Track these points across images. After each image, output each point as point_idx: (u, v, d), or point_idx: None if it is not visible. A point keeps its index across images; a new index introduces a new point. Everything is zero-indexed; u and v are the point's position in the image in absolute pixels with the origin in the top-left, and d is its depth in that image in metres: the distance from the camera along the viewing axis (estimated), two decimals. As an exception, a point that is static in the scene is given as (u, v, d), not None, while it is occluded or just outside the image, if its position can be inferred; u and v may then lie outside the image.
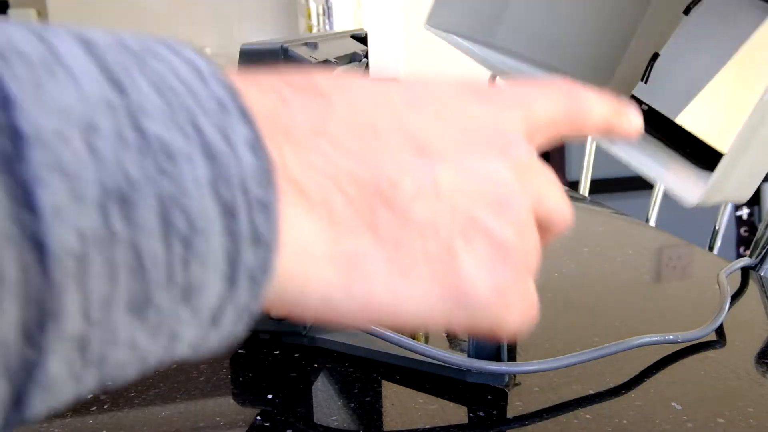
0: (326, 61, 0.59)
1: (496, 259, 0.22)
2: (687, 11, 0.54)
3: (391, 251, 0.21)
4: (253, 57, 0.54)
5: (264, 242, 0.18)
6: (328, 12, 1.48)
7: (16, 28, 0.16)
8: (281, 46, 0.53)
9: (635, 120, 0.29)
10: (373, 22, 1.63)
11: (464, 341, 0.53)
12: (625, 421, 0.44)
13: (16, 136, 0.14)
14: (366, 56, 0.73)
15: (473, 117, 0.23)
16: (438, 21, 0.60)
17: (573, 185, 1.49)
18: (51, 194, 0.15)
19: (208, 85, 0.18)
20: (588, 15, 0.64)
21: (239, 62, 0.54)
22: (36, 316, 0.15)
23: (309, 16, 1.47)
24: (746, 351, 0.53)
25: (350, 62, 0.67)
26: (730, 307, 0.57)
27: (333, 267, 0.20)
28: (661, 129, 0.49)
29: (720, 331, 0.56)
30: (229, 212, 0.17)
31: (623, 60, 0.64)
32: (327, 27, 1.47)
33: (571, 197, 0.99)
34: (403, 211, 0.21)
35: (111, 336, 0.16)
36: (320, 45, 0.60)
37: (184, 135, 0.17)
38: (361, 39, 0.76)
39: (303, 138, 0.20)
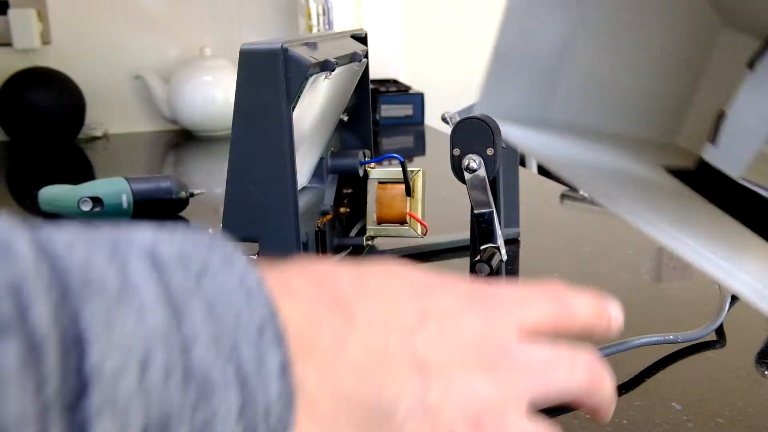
0: (326, 61, 0.59)
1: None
2: (751, 65, 0.52)
3: None
4: (253, 57, 0.54)
5: None
6: (328, 12, 1.48)
7: (95, 246, 0.19)
8: (281, 46, 0.54)
9: (616, 320, 0.31)
10: (373, 22, 1.63)
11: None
12: (625, 421, 0.44)
13: (82, 376, 0.16)
14: (366, 56, 0.73)
15: (471, 331, 0.26)
16: (488, 108, 0.58)
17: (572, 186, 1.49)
18: (102, 429, 0.17)
19: (252, 305, 0.20)
20: (646, 73, 0.61)
21: (239, 62, 0.54)
22: None
23: (309, 16, 1.47)
24: (746, 351, 0.53)
25: (350, 62, 0.67)
26: (730, 307, 0.57)
27: None
28: (732, 197, 0.46)
29: (720, 331, 0.56)
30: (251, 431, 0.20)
31: (687, 119, 0.62)
32: (327, 27, 1.47)
33: (571, 197, 0.99)
34: (397, 429, 0.24)
35: None
36: (320, 45, 0.60)
37: (225, 362, 0.19)
38: (361, 39, 0.76)
39: (325, 358, 0.23)
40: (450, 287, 0.28)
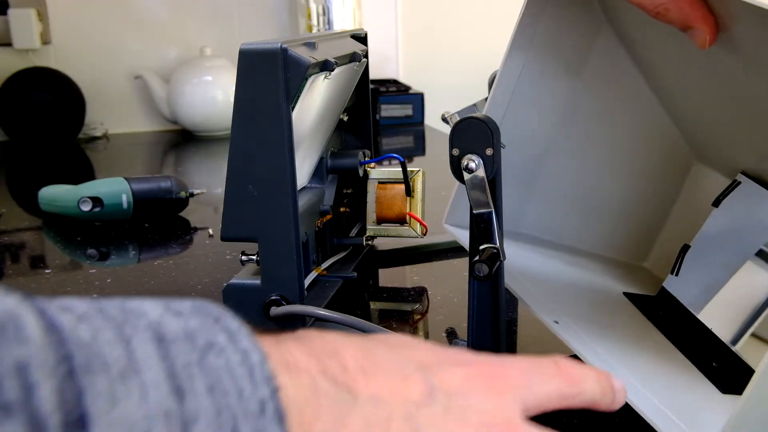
0: (326, 61, 0.59)
1: None
2: (717, 203, 0.54)
3: None
4: (253, 57, 0.54)
5: None
6: (328, 12, 1.48)
7: (102, 321, 0.19)
8: (281, 46, 0.54)
9: (620, 397, 0.32)
10: (373, 22, 1.63)
11: (463, 341, 0.53)
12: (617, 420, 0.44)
13: None
14: (366, 56, 0.73)
15: (477, 409, 0.27)
16: (456, 220, 0.61)
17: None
18: None
19: (254, 383, 0.21)
20: (621, 196, 0.64)
21: (239, 62, 0.54)
22: None
23: (309, 16, 1.47)
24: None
25: (350, 62, 0.67)
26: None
27: None
28: (688, 329, 0.48)
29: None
30: None
31: (653, 252, 0.64)
32: (327, 27, 1.47)
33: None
34: None
35: None
36: (320, 45, 0.60)
37: None
38: (361, 39, 0.76)
39: None
40: (456, 364, 0.28)
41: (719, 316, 0.49)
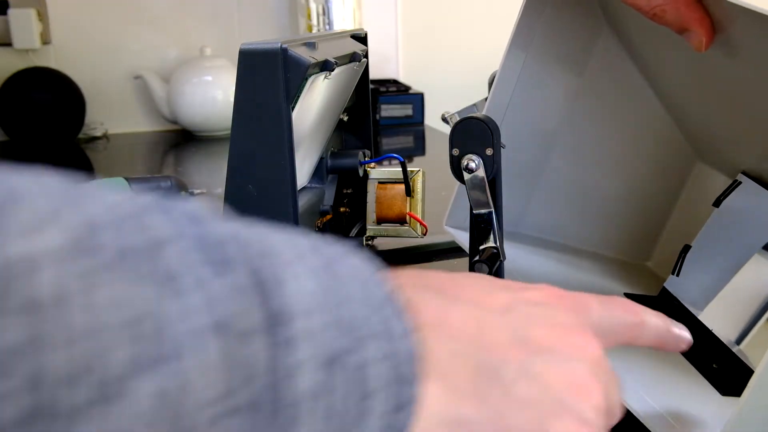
0: (326, 61, 0.59)
1: (588, 422, 0.28)
2: (717, 203, 0.54)
3: (495, 421, 0.26)
4: (253, 57, 0.54)
5: (409, 407, 0.24)
6: (328, 12, 1.48)
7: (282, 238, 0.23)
8: (281, 46, 0.54)
9: (686, 338, 0.36)
10: (373, 22, 1.63)
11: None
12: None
13: (290, 309, 0.21)
14: (366, 56, 0.73)
15: (557, 319, 0.30)
16: (455, 221, 0.61)
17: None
18: (296, 354, 0.21)
19: (375, 283, 0.25)
20: (616, 201, 0.64)
21: (239, 62, 0.54)
22: None
23: (309, 16, 1.47)
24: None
25: (350, 62, 0.67)
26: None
27: (448, 429, 0.26)
28: (690, 330, 0.48)
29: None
30: (392, 380, 0.24)
31: (655, 251, 0.64)
32: (327, 27, 1.47)
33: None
34: (508, 387, 0.27)
35: None
36: (320, 45, 0.60)
37: (373, 316, 0.24)
38: (361, 39, 0.76)
39: (432, 327, 0.26)
40: (534, 288, 0.31)
41: (721, 317, 0.49)
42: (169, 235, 0.20)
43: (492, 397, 0.27)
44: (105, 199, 0.20)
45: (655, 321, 0.35)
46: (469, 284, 0.30)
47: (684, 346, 0.36)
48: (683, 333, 0.36)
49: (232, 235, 0.22)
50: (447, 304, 0.28)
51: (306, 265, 0.23)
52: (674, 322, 0.35)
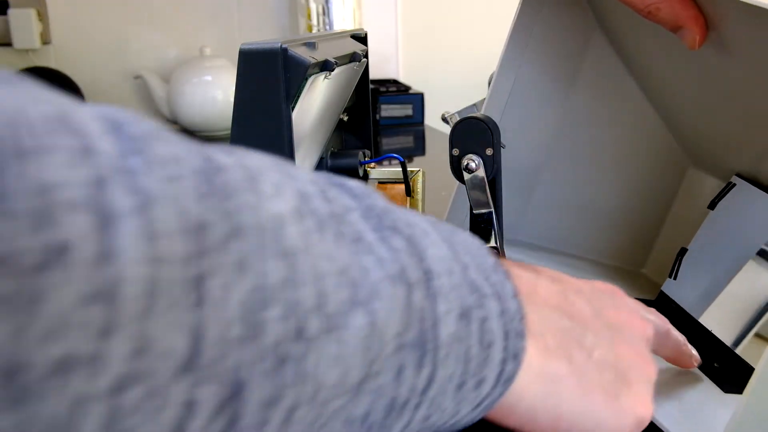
0: (326, 61, 0.59)
1: (648, 393, 0.33)
2: (712, 206, 0.54)
3: (578, 378, 0.30)
4: (253, 57, 0.54)
5: (518, 358, 0.28)
6: (328, 12, 1.48)
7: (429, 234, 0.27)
8: (281, 45, 0.54)
9: (697, 357, 0.43)
10: (373, 22, 1.63)
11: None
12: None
13: (432, 268, 0.26)
14: (366, 56, 0.73)
15: (625, 308, 0.35)
16: (455, 223, 0.62)
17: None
18: (440, 306, 0.25)
19: (487, 254, 0.29)
20: (612, 207, 0.64)
21: (239, 62, 0.54)
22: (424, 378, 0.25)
23: (309, 16, 1.47)
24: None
25: (350, 62, 0.67)
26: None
27: (541, 383, 0.29)
28: (689, 332, 0.48)
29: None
30: (505, 334, 0.28)
31: (650, 257, 0.64)
32: (327, 27, 1.47)
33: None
34: (589, 351, 0.31)
35: (441, 402, 0.26)
36: (320, 45, 0.60)
37: (485, 282, 0.28)
38: (361, 39, 0.76)
39: (537, 304, 0.31)
40: (593, 280, 0.36)
41: (720, 318, 0.49)
42: (345, 208, 0.24)
43: (576, 358, 0.30)
44: (302, 174, 0.24)
45: (676, 334, 0.40)
46: (540, 267, 0.34)
47: (696, 365, 0.42)
48: (695, 352, 0.42)
49: (386, 209, 0.26)
50: (534, 277, 0.32)
51: (435, 235, 0.27)
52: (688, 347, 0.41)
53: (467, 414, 0.28)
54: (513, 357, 0.28)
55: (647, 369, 0.33)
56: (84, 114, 0.19)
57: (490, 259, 0.29)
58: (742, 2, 0.37)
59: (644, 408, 0.33)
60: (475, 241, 0.29)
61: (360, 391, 0.23)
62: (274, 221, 0.21)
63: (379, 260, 0.23)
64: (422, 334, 0.25)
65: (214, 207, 0.19)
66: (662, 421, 0.40)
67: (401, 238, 0.25)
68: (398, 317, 0.23)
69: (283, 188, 0.22)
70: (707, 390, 0.45)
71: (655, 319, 0.38)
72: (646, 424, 0.33)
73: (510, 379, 0.28)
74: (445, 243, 0.27)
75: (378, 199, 0.26)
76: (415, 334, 0.24)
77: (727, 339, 0.48)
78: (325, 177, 0.25)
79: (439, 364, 0.25)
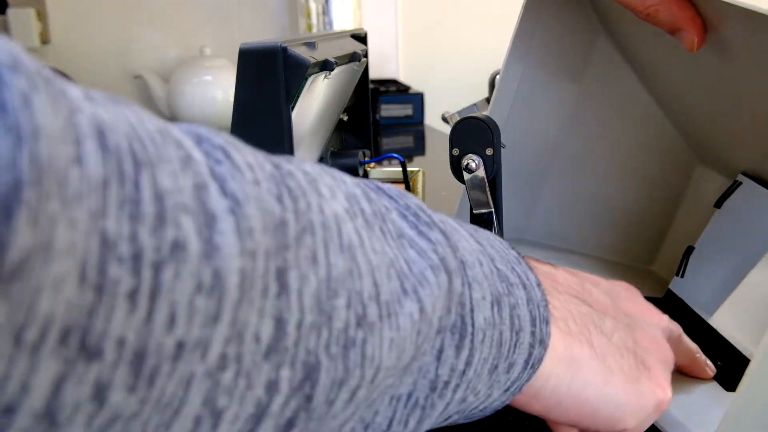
0: (326, 61, 0.59)
1: (667, 377, 0.34)
2: (719, 204, 0.53)
3: (600, 361, 0.31)
4: (253, 57, 0.54)
5: (544, 342, 0.30)
6: (328, 12, 1.48)
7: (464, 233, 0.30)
8: (280, 45, 0.53)
9: (712, 367, 0.43)
10: (373, 21, 1.63)
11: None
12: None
13: (463, 260, 0.27)
14: (366, 56, 0.73)
15: (640, 302, 0.37)
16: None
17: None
18: (475, 293, 0.27)
19: (510, 250, 0.32)
20: (620, 205, 0.64)
21: (239, 61, 0.54)
22: (461, 362, 0.27)
23: (309, 16, 1.47)
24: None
25: (350, 62, 0.67)
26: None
27: (565, 366, 0.30)
28: (696, 330, 0.47)
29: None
30: (533, 320, 0.29)
31: (660, 254, 0.64)
32: (327, 27, 1.47)
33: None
34: (608, 336, 0.33)
35: (476, 385, 0.28)
36: (320, 45, 0.60)
37: (512, 272, 0.30)
38: (361, 39, 0.76)
39: (558, 292, 0.33)
40: (623, 289, 0.38)
41: (732, 318, 0.49)
42: (385, 208, 0.26)
43: (596, 342, 0.32)
44: (348, 179, 0.26)
45: (688, 340, 0.41)
46: (558, 266, 0.36)
47: (711, 375, 0.43)
48: (710, 362, 0.43)
49: (420, 206, 0.27)
50: (553, 269, 0.34)
51: (463, 231, 0.29)
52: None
53: (498, 398, 0.29)
54: (540, 342, 0.29)
55: (664, 354, 0.35)
56: (177, 129, 0.21)
57: (513, 252, 0.31)
58: (739, 6, 0.37)
59: (663, 392, 0.33)
60: (497, 237, 0.31)
61: (406, 372, 0.25)
62: (335, 219, 0.23)
63: (420, 252, 0.25)
64: (462, 319, 0.27)
65: (288, 206, 0.21)
66: (662, 420, 0.40)
67: (438, 232, 0.27)
68: (441, 303, 0.25)
69: (336, 191, 0.24)
70: (710, 388, 0.45)
71: (668, 323, 0.39)
72: (665, 407, 0.34)
73: (538, 363, 0.29)
74: (472, 237, 0.29)
75: (411, 199, 0.28)
76: (453, 318, 0.26)
77: (741, 343, 0.48)
78: (363, 181, 0.27)
79: (476, 347, 0.27)
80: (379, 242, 0.24)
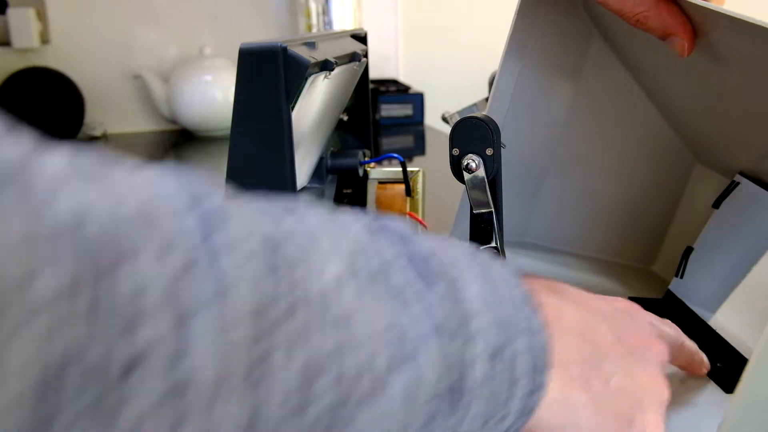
0: (326, 61, 0.59)
1: (661, 416, 0.34)
2: (717, 204, 0.53)
3: (595, 405, 0.31)
4: (253, 56, 0.54)
5: (541, 390, 0.29)
6: (327, 12, 1.48)
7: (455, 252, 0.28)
8: (280, 45, 0.53)
9: (707, 363, 0.43)
10: (373, 21, 1.63)
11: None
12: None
13: (467, 316, 0.26)
14: (366, 56, 0.73)
15: (645, 331, 0.36)
16: (461, 234, 0.62)
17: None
18: (474, 348, 0.26)
19: (517, 282, 0.30)
20: (619, 205, 0.64)
21: (239, 61, 0.54)
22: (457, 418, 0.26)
23: (309, 16, 1.47)
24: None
25: (350, 62, 0.67)
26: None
27: (560, 411, 0.30)
28: (695, 331, 0.47)
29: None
30: (532, 368, 0.29)
31: (660, 255, 0.64)
32: (327, 27, 1.47)
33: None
34: (606, 379, 0.32)
35: None
36: (320, 45, 0.60)
37: (519, 320, 0.29)
38: (361, 39, 0.75)
39: (562, 333, 0.31)
40: (613, 298, 0.38)
41: (728, 318, 0.49)
42: (392, 256, 0.25)
43: (594, 386, 0.32)
44: (354, 225, 0.25)
45: (689, 343, 0.41)
46: (566, 287, 0.35)
47: (705, 371, 0.43)
48: (706, 359, 0.43)
49: (431, 251, 0.26)
50: (560, 303, 0.33)
51: (473, 271, 0.28)
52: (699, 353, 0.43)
53: None
54: (537, 390, 0.29)
55: (661, 393, 0.35)
56: (171, 185, 0.20)
57: (522, 290, 0.30)
58: (726, 14, 0.38)
59: None
60: (507, 272, 0.30)
61: None
62: (334, 282, 0.22)
63: (426, 308, 0.24)
64: (456, 380, 0.26)
65: (281, 279, 0.20)
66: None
67: (445, 283, 0.26)
68: (435, 370, 0.24)
69: (339, 246, 0.23)
70: (709, 391, 0.45)
71: (670, 333, 0.39)
72: None
73: (532, 411, 0.29)
74: (482, 278, 0.28)
75: (423, 241, 0.27)
76: (449, 381, 0.25)
77: (743, 342, 0.48)
78: (372, 220, 0.26)
79: (470, 405, 0.27)
80: (380, 304, 0.23)
